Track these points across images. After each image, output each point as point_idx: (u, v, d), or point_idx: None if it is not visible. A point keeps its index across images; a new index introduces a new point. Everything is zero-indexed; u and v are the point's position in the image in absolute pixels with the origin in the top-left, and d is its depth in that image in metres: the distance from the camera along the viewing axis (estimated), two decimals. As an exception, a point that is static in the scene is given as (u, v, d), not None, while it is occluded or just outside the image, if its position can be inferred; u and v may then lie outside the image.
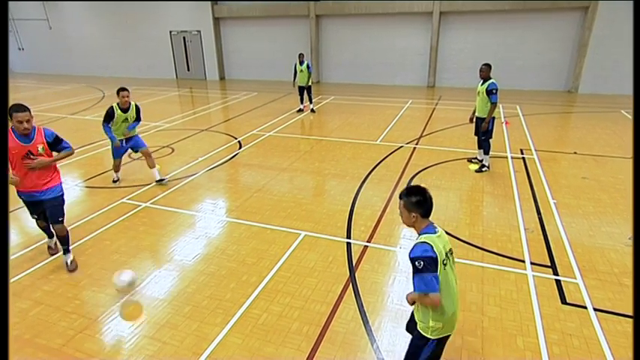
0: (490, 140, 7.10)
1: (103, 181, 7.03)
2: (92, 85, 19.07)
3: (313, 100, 12.49)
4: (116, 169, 6.90)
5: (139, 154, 7.20)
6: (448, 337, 2.55)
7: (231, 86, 18.36)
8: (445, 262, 2.36)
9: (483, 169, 7.13)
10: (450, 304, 2.41)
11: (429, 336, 2.47)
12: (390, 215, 5.58)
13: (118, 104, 6.42)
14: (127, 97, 6.40)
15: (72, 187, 6.79)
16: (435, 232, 2.42)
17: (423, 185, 2.54)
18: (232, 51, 20.22)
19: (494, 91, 6.81)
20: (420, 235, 2.42)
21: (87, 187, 6.82)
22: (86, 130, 10.69)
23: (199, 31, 19.95)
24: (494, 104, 6.84)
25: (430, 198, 2.47)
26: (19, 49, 24.56)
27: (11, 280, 4.26)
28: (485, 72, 6.96)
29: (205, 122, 11.36)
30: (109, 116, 6.33)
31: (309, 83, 12.00)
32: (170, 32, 20.60)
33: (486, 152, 7.12)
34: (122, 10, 20.94)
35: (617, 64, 14.20)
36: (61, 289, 4.11)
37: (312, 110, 12.26)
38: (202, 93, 16.96)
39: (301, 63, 11.71)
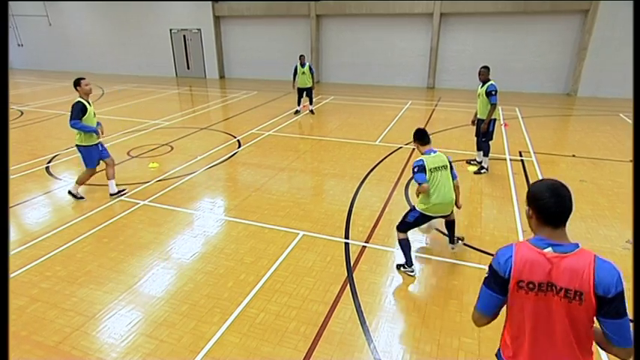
0: (490, 142, 7.12)
1: (101, 178, 7.00)
2: (92, 81, 19.00)
3: (314, 101, 12.43)
4: (85, 180, 6.12)
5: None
6: (430, 217, 4.22)
7: (231, 85, 18.35)
8: (433, 170, 4.06)
9: (482, 171, 7.14)
10: (435, 196, 4.07)
11: (417, 208, 4.23)
12: (389, 216, 5.58)
13: (83, 98, 5.72)
14: (90, 85, 5.80)
15: (70, 184, 6.76)
16: (430, 154, 4.18)
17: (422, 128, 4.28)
18: (232, 50, 20.20)
19: (493, 93, 6.83)
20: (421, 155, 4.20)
21: (85, 184, 6.80)
22: (85, 127, 10.66)
23: (199, 30, 19.92)
24: (493, 105, 6.87)
25: (426, 133, 4.36)
26: (19, 45, 24.44)
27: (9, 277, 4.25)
28: (484, 74, 7.01)
29: (205, 121, 11.35)
30: (82, 111, 5.63)
31: (312, 85, 11.79)
32: (170, 30, 20.57)
33: (486, 154, 7.14)
34: (122, 7, 20.91)
35: (616, 68, 14.24)
36: (58, 286, 4.10)
37: (312, 111, 12.15)
38: (202, 91, 16.95)
39: (302, 64, 11.52)
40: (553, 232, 1.72)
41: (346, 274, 4.27)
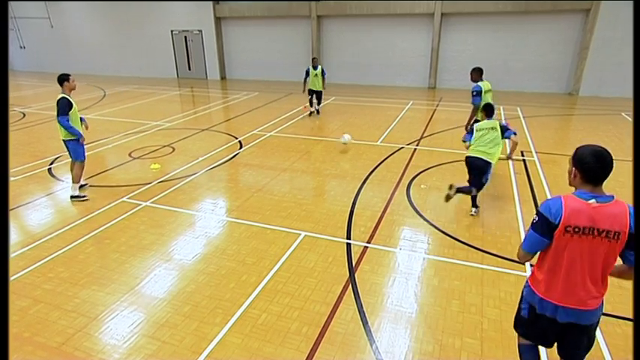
0: None
1: (103, 179, 7.02)
2: (93, 83, 19.06)
3: (321, 104, 12.27)
4: (80, 174, 6.17)
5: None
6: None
7: (232, 86, 18.37)
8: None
9: None
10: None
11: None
12: (391, 216, 5.58)
13: (66, 94, 5.79)
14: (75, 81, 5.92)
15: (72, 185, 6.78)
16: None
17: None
18: (233, 51, 20.23)
19: (473, 93, 6.82)
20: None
21: (87, 185, 6.81)
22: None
23: (201, 31, 19.95)
24: (473, 106, 6.84)
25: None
26: (21, 47, 24.57)
27: (11, 279, 4.26)
28: (472, 76, 6.97)
29: (206, 122, 11.37)
30: (68, 106, 5.71)
31: (322, 88, 11.69)
32: (172, 31, 20.61)
33: None
34: (123, 9, 20.96)
35: (618, 67, 14.21)
36: (61, 287, 4.11)
37: (317, 112, 12.10)
38: (203, 92, 16.97)
39: (315, 67, 11.43)
40: (594, 188, 2.15)
41: (348, 275, 4.27)
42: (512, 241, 4.91)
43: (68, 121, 5.83)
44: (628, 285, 4.06)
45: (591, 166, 2.10)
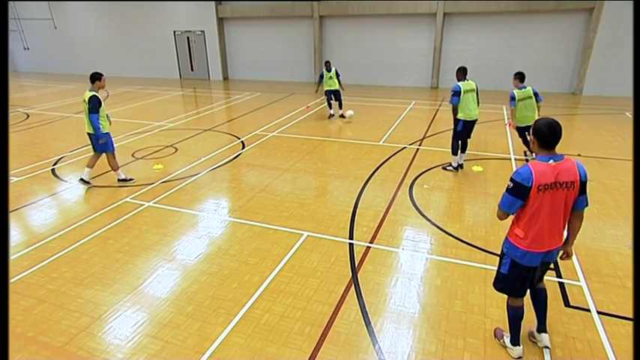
0: (455, 142, 7.06)
1: (106, 180, 7.05)
2: (96, 84, 19.15)
3: (342, 107, 11.79)
4: (115, 163, 6.69)
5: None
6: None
7: (235, 86, 18.40)
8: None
9: (448, 168, 7.25)
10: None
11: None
12: (393, 216, 5.57)
13: (96, 91, 6.23)
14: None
15: (75, 185, 6.81)
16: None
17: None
18: (236, 51, 20.26)
19: (452, 93, 6.82)
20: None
21: (90, 186, 6.84)
22: (90, 130, 10.73)
23: (203, 31, 20.00)
24: (452, 105, 6.89)
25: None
26: (25, 48, 24.68)
27: (15, 279, 4.29)
28: (457, 75, 6.98)
29: (208, 122, 11.39)
30: (99, 102, 6.18)
31: (339, 87, 11.43)
32: (174, 32, 20.67)
33: (452, 152, 7.14)
34: (126, 9, 21.03)
35: (621, 66, 14.14)
36: (65, 287, 4.13)
37: (342, 116, 11.62)
38: (206, 93, 17.00)
39: (329, 70, 11.23)
40: (550, 152, 2.71)
41: (351, 275, 4.27)
42: (516, 241, 4.89)
43: (98, 118, 6.25)
44: (628, 284, 4.04)
45: (545, 134, 2.68)
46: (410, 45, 17.16)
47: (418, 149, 8.58)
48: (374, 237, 5.03)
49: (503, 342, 3.28)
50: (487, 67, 16.05)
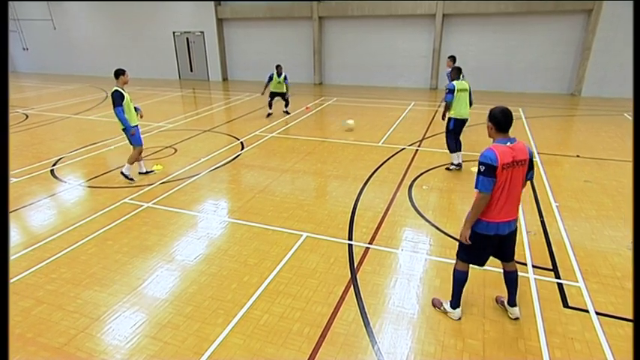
0: (450, 140, 7.17)
1: (105, 181, 7.05)
2: (96, 85, 19.15)
3: (289, 105, 12.41)
4: (135, 158, 6.86)
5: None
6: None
7: (234, 87, 18.40)
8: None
9: (451, 168, 7.30)
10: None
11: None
12: (392, 217, 5.58)
13: (119, 87, 6.47)
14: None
15: (75, 186, 6.81)
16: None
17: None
18: (235, 52, 20.27)
19: (445, 91, 6.95)
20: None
21: (90, 187, 6.85)
22: (89, 130, 10.73)
23: (202, 32, 20.01)
24: (445, 102, 6.97)
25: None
26: (24, 49, 24.67)
27: (14, 279, 4.28)
28: (451, 74, 7.09)
29: (208, 123, 11.39)
30: (120, 97, 6.37)
31: (285, 91, 11.99)
32: (173, 33, 20.68)
33: (450, 150, 7.25)
34: (126, 10, 21.03)
35: (620, 67, 14.17)
36: (63, 288, 4.13)
37: (287, 112, 12.27)
38: (205, 94, 17.01)
39: (279, 74, 11.69)
40: (505, 135, 3.13)
41: (350, 276, 4.27)
42: (517, 241, 4.88)
43: (123, 112, 6.42)
44: (631, 286, 4.05)
45: (500, 120, 3.09)
46: (409, 46, 17.18)
47: (417, 150, 8.59)
48: (373, 238, 5.04)
49: (444, 308, 3.68)
50: (486, 68, 16.09)
